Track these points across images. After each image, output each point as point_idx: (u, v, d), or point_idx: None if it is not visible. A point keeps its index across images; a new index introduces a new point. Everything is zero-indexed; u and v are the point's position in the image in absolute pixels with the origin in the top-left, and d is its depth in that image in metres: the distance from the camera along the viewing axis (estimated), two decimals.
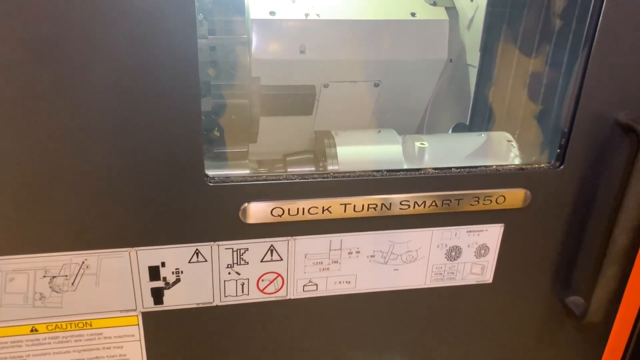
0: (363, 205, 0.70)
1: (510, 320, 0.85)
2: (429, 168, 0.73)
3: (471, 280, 0.80)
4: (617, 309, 0.86)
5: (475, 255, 0.78)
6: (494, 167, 0.75)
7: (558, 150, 0.74)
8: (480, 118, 1.05)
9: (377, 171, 0.71)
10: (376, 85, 1.12)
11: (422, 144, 0.83)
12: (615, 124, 0.72)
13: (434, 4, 1.11)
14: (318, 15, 1.00)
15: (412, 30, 1.10)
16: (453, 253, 0.77)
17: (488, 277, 0.80)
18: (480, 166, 0.74)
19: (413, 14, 1.08)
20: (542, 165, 0.75)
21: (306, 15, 0.99)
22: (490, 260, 0.79)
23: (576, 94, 0.70)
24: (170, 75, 0.58)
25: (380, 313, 0.79)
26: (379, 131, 1.07)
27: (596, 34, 0.67)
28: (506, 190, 0.74)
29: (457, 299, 0.80)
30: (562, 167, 0.74)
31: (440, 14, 1.11)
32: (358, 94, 1.13)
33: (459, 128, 1.12)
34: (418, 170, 0.72)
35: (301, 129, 1.12)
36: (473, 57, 1.08)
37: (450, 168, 0.73)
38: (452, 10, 1.11)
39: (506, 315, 0.84)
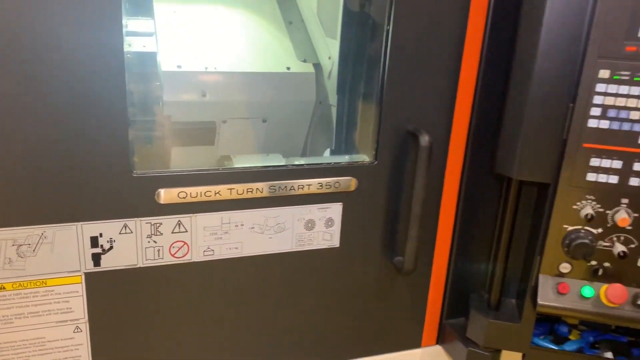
0: (244, 189, 1.03)
1: (354, 277, 1.19)
2: (291, 165, 1.08)
3: (324, 245, 1.14)
4: (431, 263, 1.23)
5: (325, 226, 1.12)
6: (333, 163, 1.11)
7: (374, 152, 1.12)
8: (341, 142, 1.42)
9: (254, 166, 1.05)
10: (264, 121, 1.47)
11: (298, 162, 1.17)
12: (407, 132, 1.11)
13: (304, 61, 1.50)
14: (215, 68, 1.36)
15: (289, 79, 1.47)
16: (310, 225, 1.11)
17: (336, 242, 1.14)
18: (324, 163, 1.10)
19: (288, 68, 1.46)
20: (365, 161, 1.13)
21: (206, 68, 1.34)
22: (336, 230, 1.13)
23: (379, 113, 1.09)
24: (106, 114, 0.90)
25: (260, 271, 1.11)
26: (268, 155, 1.42)
27: (385, 74, 1.06)
28: (342, 178, 1.10)
29: (314, 259, 1.13)
30: (376, 162, 1.11)
31: (308, 68, 1.49)
32: (250, 128, 1.48)
33: (331, 152, 1.48)
34: (284, 166, 1.07)
35: (207, 156, 1.45)
36: (333, 99, 1.47)
37: (303, 164, 1.08)
38: (317, 65, 1.51)
39: (351, 273, 1.18)
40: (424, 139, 1.07)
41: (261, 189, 1.05)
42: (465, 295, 1.27)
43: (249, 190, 1.04)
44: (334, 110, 1.46)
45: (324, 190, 1.09)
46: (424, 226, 1.15)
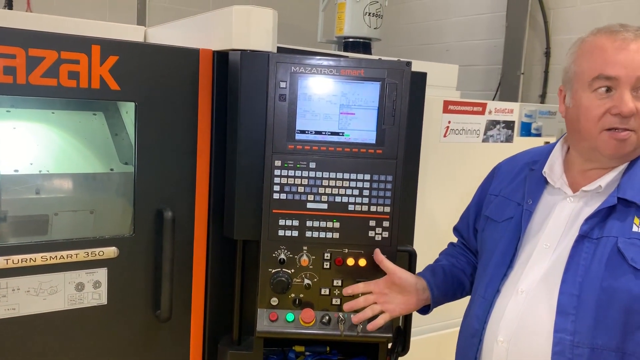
0: (19, 259, 1.33)
1: (123, 330, 1.49)
2: (61, 238, 1.40)
3: (93, 303, 1.44)
4: (189, 313, 1.57)
5: (93, 287, 1.44)
6: (98, 236, 1.45)
7: (132, 226, 1.48)
8: None
9: (29, 242, 1.36)
10: (91, 212, 1.74)
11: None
12: (157, 210, 1.49)
13: (126, 164, 1.83)
14: (48, 170, 1.63)
15: (113, 177, 1.78)
16: (79, 287, 1.42)
17: (104, 300, 1.45)
18: (90, 236, 1.44)
19: (112, 169, 1.76)
20: (125, 234, 1.49)
21: (40, 171, 1.62)
22: (104, 290, 1.45)
23: (133, 194, 1.47)
24: None
25: (37, 329, 1.38)
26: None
27: (136, 164, 1.46)
28: (105, 248, 1.44)
29: (85, 316, 1.43)
30: (134, 234, 1.48)
31: (129, 169, 1.81)
32: (79, 219, 1.74)
33: None
34: (55, 240, 1.39)
35: None
36: None
37: (72, 238, 1.41)
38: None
39: (120, 326, 1.49)
40: (167, 214, 1.46)
41: (34, 258, 1.35)
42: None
43: (23, 260, 1.34)
44: None
45: (90, 257, 1.42)
46: (181, 282, 1.51)
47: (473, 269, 1.48)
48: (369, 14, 3.32)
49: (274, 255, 1.47)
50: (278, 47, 1.66)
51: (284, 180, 1.45)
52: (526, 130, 2.23)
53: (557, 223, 1.20)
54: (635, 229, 1.10)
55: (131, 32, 2.05)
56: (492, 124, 2.16)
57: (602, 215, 1.14)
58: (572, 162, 1.24)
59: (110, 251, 1.45)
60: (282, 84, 1.42)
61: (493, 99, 3.95)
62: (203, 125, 1.54)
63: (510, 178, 1.38)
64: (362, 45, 3.38)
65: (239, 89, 1.47)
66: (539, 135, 2.26)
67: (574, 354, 1.11)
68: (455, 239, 1.61)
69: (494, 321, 1.24)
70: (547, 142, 2.08)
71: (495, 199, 1.38)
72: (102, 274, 1.45)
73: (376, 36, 3.39)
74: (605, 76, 1.11)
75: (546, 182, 1.27)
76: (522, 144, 2.09)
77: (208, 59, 1.52)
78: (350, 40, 3.38)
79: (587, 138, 1.16)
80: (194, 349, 1.60)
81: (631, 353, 1.09)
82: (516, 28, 3.85)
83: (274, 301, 1.48)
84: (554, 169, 1.26)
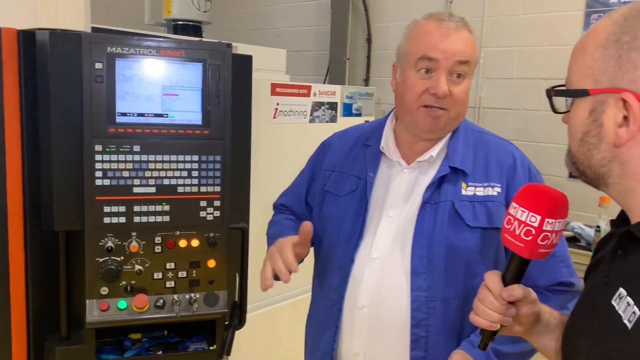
0: None
1: None
2: None
3: None
4: (9, 313, 1.46)
5: None
6: None
7: None
8: None
9: None
10: None
11: None
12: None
13: None
14: None
15: None
16: None
17: None
18: None
19: None
20: None
21: None
22: None
23: None
24: None
25: None
26: None
27: None
28: None
29: None
30: None
31: None
32: None
33: None
34: None
35: None
36: None
37: None
38: None
39: None
40: None
41: None
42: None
43: None
44: None
45: None
46: None
47: None
48: None
49: (100, 243, 1.42)
50: (94, 27, 1.59)
51: (106, 166, 1.40)
52: (348, 111, 2.40)
53: (398, 193, 1.32)
54: (463, 192, 1.27)
55: None
56: (317, 106, 2.30)
57: (438, 182, 1.29)
58: (402, 136, 1.37)
59: None
60: (98, 65, 1.37)
61: (323, 83, 4.16)
62: (10, 112, 1.41)
63: (344, 153, 1.45)
64: (192, 28, 3.33)
65: (49, 72, 1.38)
66: (359, 115, 2.45)
67: (429, 307, 1.25)
68: None
69: (352, 289, 1.31)
70: (366, 121, 2.27)
71: (333, 174, 1.44)
72: None
73: (206, 19, 3.37)
74: (427, 57, 1.24)
75: (382, 155, 1.37)
76: (345, 124, 2.24)
77: (12, 38, 1.40)
78: (180, 23, 3.31)
79: (409, 112, 1.29)
80: (17, 350, 1.49)
81: (470, 298, 1.26)
82: (340, 15, 4.09)
83: (104, 290, 1.43)
84: (388, 143, 1.37)
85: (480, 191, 1.28)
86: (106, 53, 1.38)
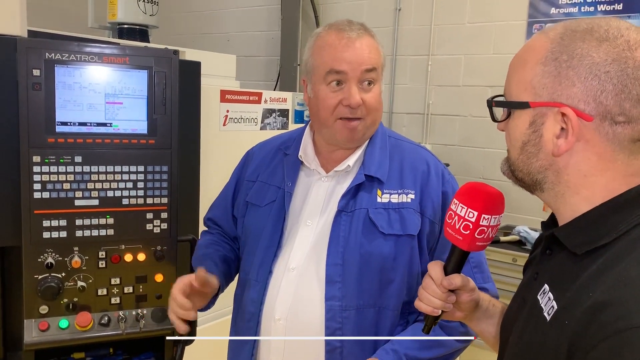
0: None
1: None
2: None
3: None
4: None
5: None
6: None
7: None
8: None
9: None
10: None
11: None
12: None
13: None
14: None
15: None
16: None
17: None
18: None
19: None
20: None
21: None
22: None
23: None
24: None
25: None
26: None
27: None
28: None
29: None
30: None
31: None
32: None
33: None
34: None
35: None
36: None
37: None
38: None
39: None
40: None
41: None
42: None
43: None
44: None
45: None
46: None
47: (235, 255, 1.47)
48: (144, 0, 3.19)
49: (39, 260, 1.34)
50: (31, 31, 1.51)
51: (45, 177, 1.33)
52: (300, 118, 2.39)
53: (316, 201, 1.31)
54: (379, 199, 1.27)
55: None
56: (268, 113, 2.27)
57: (353, 191, 1.28)
58: (320, 145, 1.36)
59: None
60: (36, 72, 1.30)
61: (274, 89, 4.14)
62: None
63: (266, 163, 1.42)
64: (138, 32, 3.23)
65: None
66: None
67: (343, 317, 1.23)
68: None
69: (269, 301, 1.28)
70: None
71: (254, 184, 1.40)
72: None
73: (153, 23, 3.27)
74: (335, 70, 1.23)
75: (302, 164, 1.36)
76: None
77: None
78: (126, 27, 3.21)
79: (326, 125, 1.28)
80: None
81: (385, 306, 1.25)
82: (290, 21, 4.08)
83: (44, 309, 1.36)
84: (307, 152, 1.36)
85: (395, 198, 1.29)
86: (44, 59, 1.31)
